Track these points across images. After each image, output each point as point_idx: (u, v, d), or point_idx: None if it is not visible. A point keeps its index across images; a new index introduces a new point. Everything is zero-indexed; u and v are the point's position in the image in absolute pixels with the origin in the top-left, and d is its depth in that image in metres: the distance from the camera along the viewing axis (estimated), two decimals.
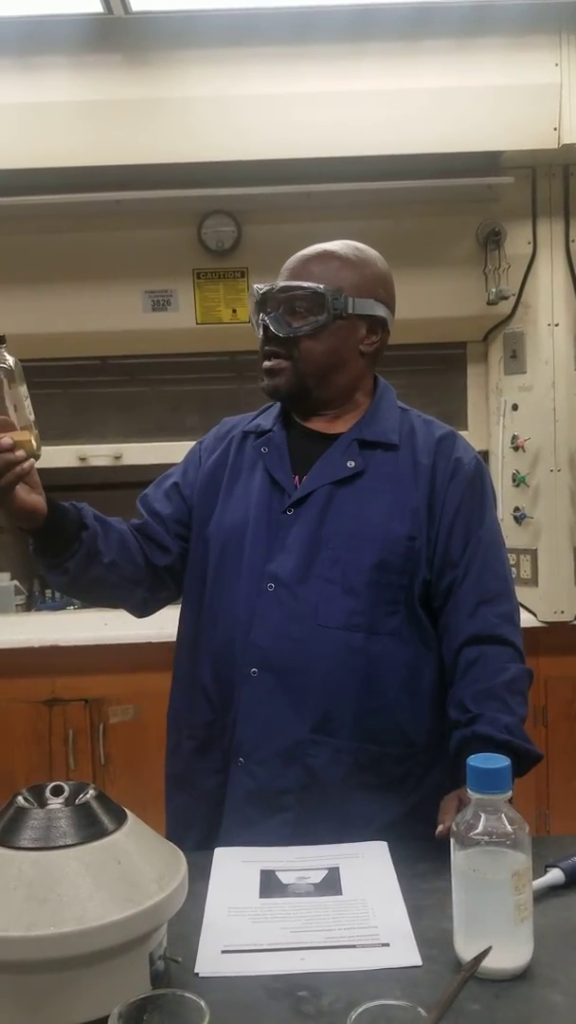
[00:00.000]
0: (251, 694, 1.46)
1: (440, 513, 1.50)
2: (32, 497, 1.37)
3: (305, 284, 1.49)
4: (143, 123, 2.68)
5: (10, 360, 1.32)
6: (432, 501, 1.50)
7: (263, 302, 1.53)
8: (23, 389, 1.33)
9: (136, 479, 1.66)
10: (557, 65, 2.71)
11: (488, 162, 2.91)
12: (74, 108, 2.68)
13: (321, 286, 1.48)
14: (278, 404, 1.61)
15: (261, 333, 1.53)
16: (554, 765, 2.86)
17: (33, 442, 1.34)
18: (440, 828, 1.25)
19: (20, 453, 1.31)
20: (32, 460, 1.33)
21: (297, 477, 1.53)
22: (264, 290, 1.53)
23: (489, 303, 2.96)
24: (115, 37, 2.66)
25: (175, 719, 1.60)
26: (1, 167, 2.70)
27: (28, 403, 1.35)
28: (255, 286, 1.55)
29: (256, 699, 1.46)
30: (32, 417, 1.35)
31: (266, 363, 1.53)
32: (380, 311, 1.54)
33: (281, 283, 1.52)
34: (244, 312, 2.99)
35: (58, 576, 1.50)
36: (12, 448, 1.30)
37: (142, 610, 1.65)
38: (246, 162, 2.74)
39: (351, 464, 1.51)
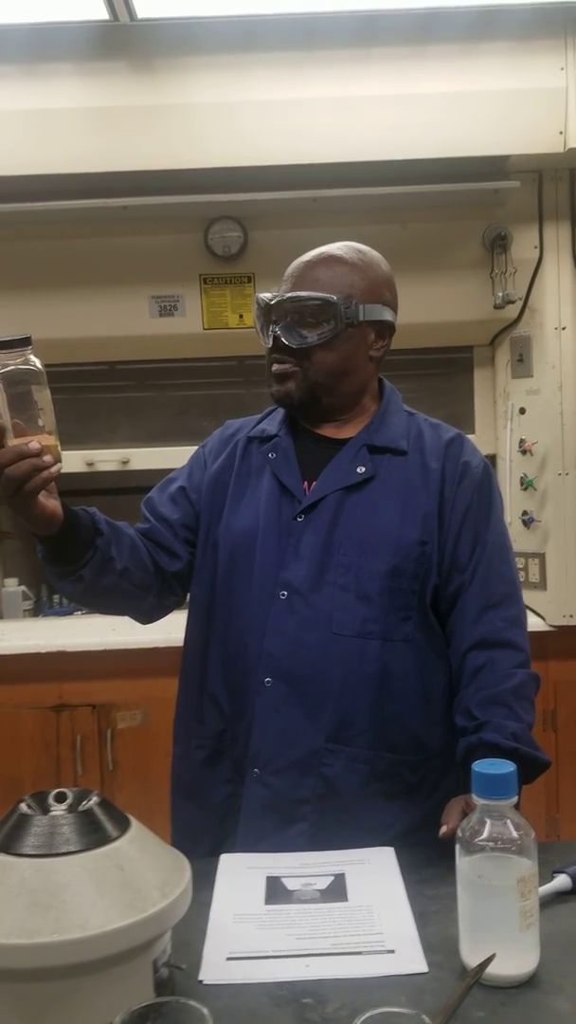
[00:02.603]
0: (265, 704, 1.45)
1: (449, 518, 1.49)
2: (51, 503, 1.33)
3: (317, 295, 1.46)
4: (149, 129, 2.69)
5: (37, 363, 1.28)
6: (442, 506, 1.49)
7: (270, 311, 1.50)
8: (47, 394, 1.29)
9: (144, 484, 1.65)
10: (563, 69, 2.71)
11: (494, 166, 2.91)
12: (80, 115, 2.69)
13: (333, 296, 1.46)
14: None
15: (271, 343, 1.50)
16: (564, 770, 2.85)
17: (58, 446, 1.30)
18: (444, 829, 1.24)
19: (48, 458, 1.27)
20: (59, 465, 1.29)
21: (306, 482, 1.52)
22: (274, 300, 1.49)
23: (496, 307, 2.95)
24: (121, 44, 2.67)
25: (183, 728, 1.58)
26: (8, 173, 2.72)
27: (51, 406, 1.30)
28: (261, 295, 1.52)
29: (271, 709, 1.45)
30: (53, 423, 1.31)
31: (275, 367, 1.51)
32: (387, 315, 1.53)
33: (290, 293, 1.49)
34: (250, 317, 2.98)
35: (71, 584, 1.45)
36: (39, 453, 1.26)
37: (148, 617, 1.62)
38: (252, 168, 2.74)
39: (361, 469, 1.50)
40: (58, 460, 1.29)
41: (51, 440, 1.29)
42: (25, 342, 1.28)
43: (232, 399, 3.22)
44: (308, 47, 2.68)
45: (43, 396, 1.28)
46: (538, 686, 1.46)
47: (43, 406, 1.29)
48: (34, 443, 1.26)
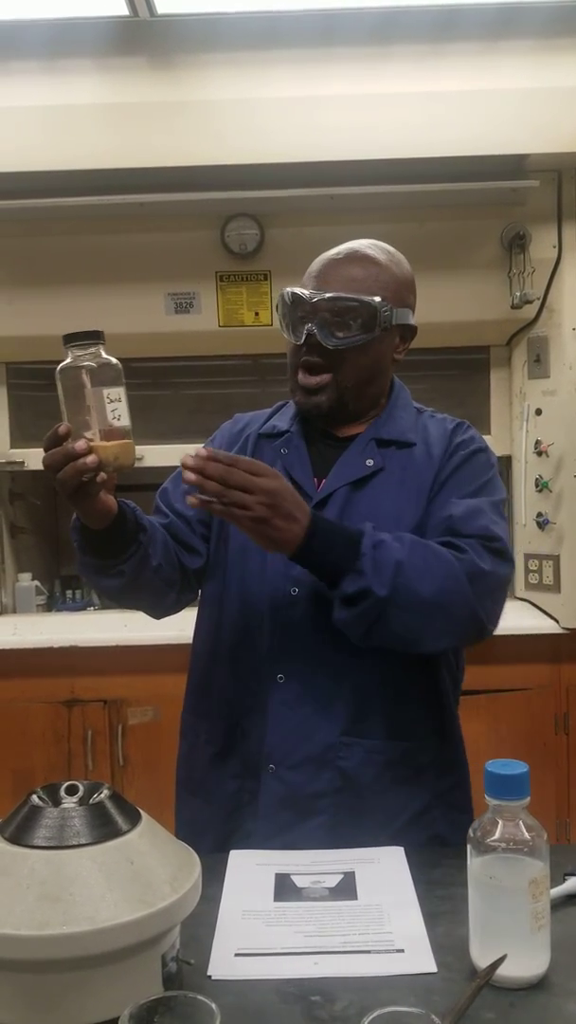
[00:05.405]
0: (279, 700, 1.45)
1: (438, 485, 1.48)
2: (108, 498, 1.33)
3: (361, 297, 1.43)
4: (167, 126, 2.70)
5: (111, 359, 1.22)
6: (435, 480, 1.48)
7: (303, 308, 1.45)
8: (113, 392, 1.23)
9: (158, 481, 1.65)
10: None
11: (513, 165, 2.90)
12: (99, 111, 2.70)
13: (376, 299, 1.43)
14: (293, 403, 1.58)
15: (302, 341, 1.46)
16: (575, 774, 2.83)
17: (116, 449, 1.23)
18: None
19: (92, 459, 1.22)
20: (103, 473, 1.24)
21: (316, 479, 1.51)
22: (314, 298, 1.44)
23: (513, 307, 2.94)
24: (140, 40, 2.67)
25: (191, 723, 1.58)
26: (26, 169, 2.73)
27: (120, 406, 1.23)
28: (294, 290, 1.47)
29: (284, 705, 1.45)
30: (122, 423, 1.24)
31: (304, 378, 1.48)
32: (411, 318, 1.52)
33: (331, 293, 1.44)
34: (266, 315, 2.99)
35: (112, 579, 1.43)
36: (86, 453, 1.22)
37: (165, 612, 1.60)
38: (270, 165, 2.74)
39: (370, 462, 1.49)
40: (117, 459, 1.24)
41: (102, 442, 1.22)
42: (95, 335, 1.22)
43: (246, 397, 3.22)
44: (327, 44, 2.67)
45: (113, 392, 1.22)
46: (459, 583, 1.36)
47: (97, 405, 1.22)
48: (80, 443, 1.22)
